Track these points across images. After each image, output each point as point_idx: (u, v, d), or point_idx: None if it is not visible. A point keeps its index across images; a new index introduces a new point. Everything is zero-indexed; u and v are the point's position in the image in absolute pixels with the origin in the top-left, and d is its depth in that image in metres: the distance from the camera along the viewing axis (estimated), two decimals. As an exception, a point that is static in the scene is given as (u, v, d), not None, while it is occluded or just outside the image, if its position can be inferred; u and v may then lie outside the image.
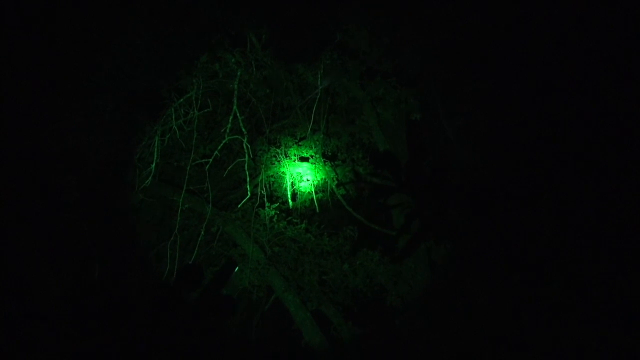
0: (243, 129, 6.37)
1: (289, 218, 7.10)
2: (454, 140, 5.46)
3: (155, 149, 6.38)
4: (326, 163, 6.99)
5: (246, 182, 6.58)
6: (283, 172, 7.04)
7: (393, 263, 7.06)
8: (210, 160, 6.48)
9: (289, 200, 7.07)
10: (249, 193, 6.56)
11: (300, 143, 7.05)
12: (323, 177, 7.04)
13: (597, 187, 4.64)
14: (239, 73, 6.44)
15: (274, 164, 6.94)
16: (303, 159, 7.00)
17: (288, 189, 7.06)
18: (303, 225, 7.07)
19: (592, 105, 4.76)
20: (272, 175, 7.05)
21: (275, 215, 6.94)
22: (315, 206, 7.07)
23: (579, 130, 4.78)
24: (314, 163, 6.95)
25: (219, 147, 6.48)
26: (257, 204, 6.74)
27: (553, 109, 4.84)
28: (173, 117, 6.42)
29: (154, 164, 6.38)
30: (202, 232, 6.58)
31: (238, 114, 6.38)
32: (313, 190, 7.08)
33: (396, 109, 6.93)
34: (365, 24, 6.14)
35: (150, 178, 6.41)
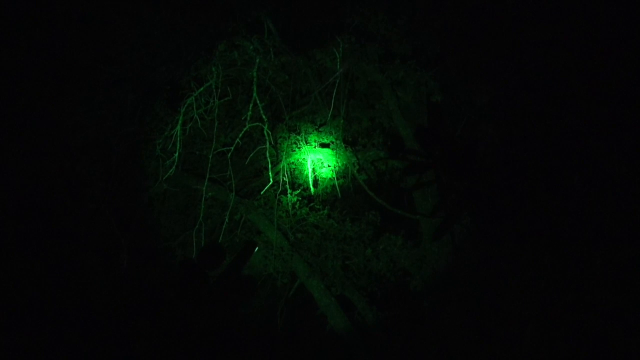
0: (263, 116, 6.37)
1: (311, 204, 7.10)
2: (478, 120, 5.36)
3: (178, 139, 6.44)
4: (347, 148, 6.94)
5: (267, 169, 6.60)
6: (304, 159, 7.02)
7: (417, 247, 7.00)
8: (232, 148, 6.50)
9: (311, 187, 7.06)
10: (271, 180, 6.58)
11: (320, 129, 7.01)
12: (344, 162, 7.00)
13: (631, 165, 4.50)
14: (257, 60, 6.41)
15: (295, 150, 6.92)
16: (323, 145, 6.96)
17: (309, 175, 7.04)
18: (325, 211, 7.07)
19: (620, 82, 4.60)
20: (293, 162, 7.04)
21: (298, 202, 6.94)
22: (337, 192, 7.06)
23: (608, 106, 4.63)
24: (335, 149, 6.91)
25: (240, 135, 6.50)
26: (279, 191, 6.76)
27: (578, 85, 4.70)
28: (194, 106, 6.44)
29: (177, 154, 6.44)
30: (226, 220, 6.64)
31: (258, 102, 6.38)
32: (334, 176, 7.06)
33: (416, 91, 6.83)
34: (382, 6, 6.03)
35: (173, 168, 6.48)
